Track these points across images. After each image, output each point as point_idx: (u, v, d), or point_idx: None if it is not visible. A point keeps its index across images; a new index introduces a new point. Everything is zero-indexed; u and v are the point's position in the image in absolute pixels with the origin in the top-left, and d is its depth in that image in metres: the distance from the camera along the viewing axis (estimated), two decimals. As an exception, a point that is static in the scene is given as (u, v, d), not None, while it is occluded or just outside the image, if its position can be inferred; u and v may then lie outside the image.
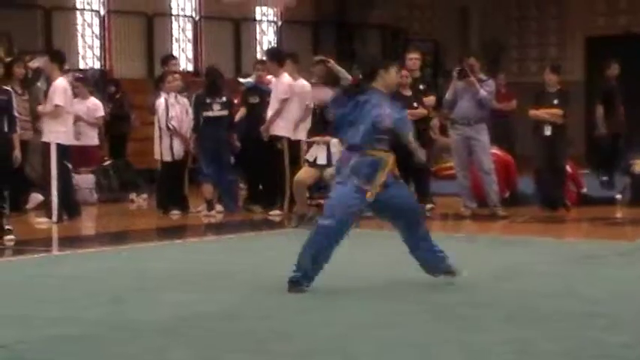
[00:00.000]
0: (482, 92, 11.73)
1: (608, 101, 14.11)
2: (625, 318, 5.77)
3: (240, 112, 12.77)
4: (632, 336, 5.31)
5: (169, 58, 13.97)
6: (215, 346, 5.31)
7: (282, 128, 12.11)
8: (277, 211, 12.09)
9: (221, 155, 12.40)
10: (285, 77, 12.20)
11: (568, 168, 12.34)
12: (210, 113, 12.33)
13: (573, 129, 14.10)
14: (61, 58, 11.87)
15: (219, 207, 12.44)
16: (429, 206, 12.24)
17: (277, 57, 12.71)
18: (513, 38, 19.74)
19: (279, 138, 12.12)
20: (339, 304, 6.37)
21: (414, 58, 12.67)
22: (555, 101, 11.99)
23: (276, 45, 18.25)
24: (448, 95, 11.88)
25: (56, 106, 11.41)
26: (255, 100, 12.68)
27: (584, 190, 12.81)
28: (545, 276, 7.36)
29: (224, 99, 12.44)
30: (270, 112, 12.16)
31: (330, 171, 7.24)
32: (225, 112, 12.39)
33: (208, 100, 12.36)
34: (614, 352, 5.00)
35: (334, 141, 11.68)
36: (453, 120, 11.97)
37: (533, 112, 12.13)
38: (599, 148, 14.37)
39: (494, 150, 12.37)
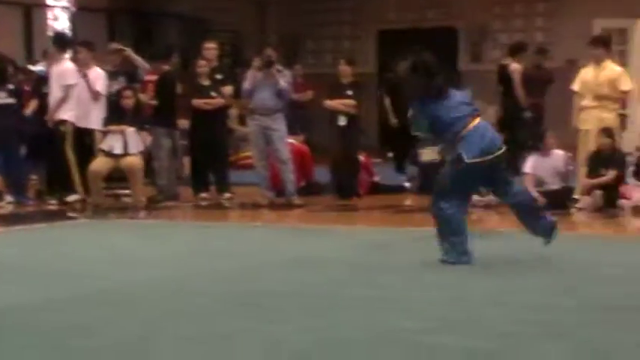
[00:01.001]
0: (282, 83, 11.89)
1: (396, 93, 14.47)
2: (414, 303, 6.00)
3: (32, 105, 12.39)
4: (422, 320, 5.52)
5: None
6: (9, 342, 5.16)
7: (65, 113, 11.85)
8: (72, 197, 11.83)
9: (9, 145, 12.01)
10: (68, 63, 11.97)
11: (361, 158, 12.68)
12: (-6, 101, 11.95)
13: (366, 119, 14.49)
14: None
15: (9, 198, 12.06)
16: (227, 195, 12.31)
17: (59, 42, 12.42)
18: (309, 30, 20.03)
19: (63, 121, 11.86)
20: (138, 297, 6.31)
21: (211, 48, 12.72)
22: (349, 92, 12.30)
23: (70, 32, 17.78)
24: (247, 85, 11.96)
25: None
26: (48, 89, 12.34)
27: (377, 178, 13.21)
28: (339, 264, 7.53)
29: (10, 87, 12.06)
30: (52, 99, 11.89)
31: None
32: (11, 101, 12.03)
33: (-8, 88, 11.98)
34: (406, 337, 5.18)
35: (130, 130, 11.56)
36: (252, 110, 12.08)
37: (327, 103, 12.40)
38: (393, 137, 14.75)
39: (291, 140, 12.56)
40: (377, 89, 14.62)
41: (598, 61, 11.24)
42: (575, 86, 11.34)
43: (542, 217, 7.50)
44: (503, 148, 7.34)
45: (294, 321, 5.55)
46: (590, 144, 11.09)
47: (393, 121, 14.40)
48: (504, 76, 14.04)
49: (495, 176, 7.45)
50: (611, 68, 11.30)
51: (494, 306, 5.88)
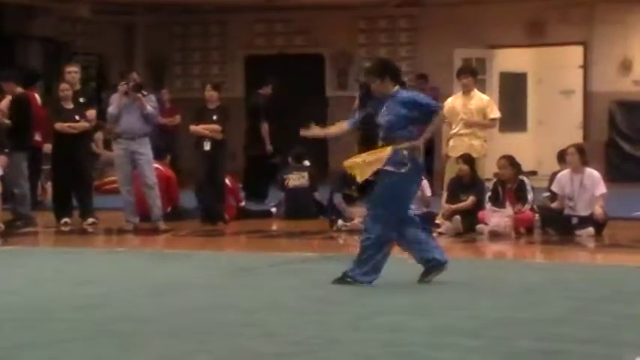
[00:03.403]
0: (149, 108, 11.83)
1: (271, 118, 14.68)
2: (276, 327, 6.05)
3: None
4: (283, 345, 5.58)
5: None
6: None
7: None
8: None
9: None
10: None
11: (228, 182, 12.71)
12: None
13: (234, 144, 14.52)
14: None
15: None
16: (90, 221, 12.14)
17: None
18: (177, 55, 19.99)
19: None
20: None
21: (72, 72, 12.59)
22: (215, 117, 12.33)
23: None
24: (113, 109, 11.85)
25: None
26: None
27: (243, 203, 13.26)
28: (203, 289, 7.55)
29: None
30: None
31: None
32: None
33: None
34: (266, 361, 5.25)
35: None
36: (117, 134, 11.98)
37: (193, 128, 12.40)
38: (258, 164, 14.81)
39: (157, 165, 12.49)
40: (261, 115, 14.69)
41: (466, 90, 11.55)
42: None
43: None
44: None
45: (154, 348, 5.53)
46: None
47: (269, 147, 14.60)
48: (367, 101, 14.26)
49: None
50: (479, 97, 11.63)
51: (353, 329, 5.99)
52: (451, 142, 11.53)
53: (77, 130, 12.15)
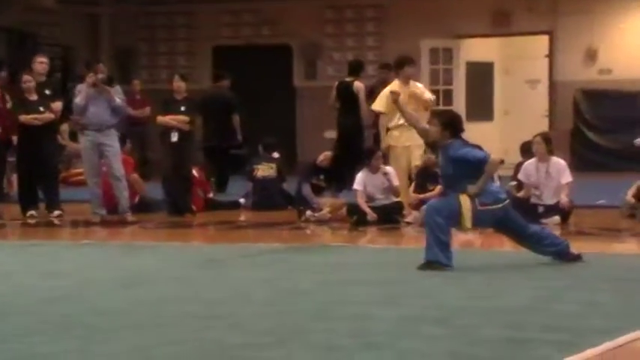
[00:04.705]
0: (118, 100, 11.78)
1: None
2: (243, 318, 6.06)
3: None
4: (250, 336, 5.59)
5: None
6: None
7: None
8: None
9: None
10: None
11: (195, 174, 12.67)
12: None
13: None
14: None
15: None
16: (57, 213, 12.07)
17: None
18: (143, 46, 19.90)
19: None
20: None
21: (42, 62, 12.49)
22: (182, 108, 12.29)
23: None
24: (80, 100, 11.79)
25: None
26: None
27: (211, 195, 13.23)
28: (170, 281, 7.54)
29: None
30: None
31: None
32: None
33: None
34: (234, 353, 5.24)
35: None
36: (83, 125, 11.92)
37: (160, 119, 12.36)
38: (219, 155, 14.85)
39: (124, 156, 12.43)
40: (233, 107, 14.72)
41: (407, 80, 11.37)
42: (381, 107, 11.42)
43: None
44: None
45: (121, 340, 5.51)
46: (414, 160, 11.31)
47: (240, 138, 14.66)
48: (346, 93, 14.22)
49: None
50: (414, 84, 11.44)
51: (320, 319, 6.00)
52: (396, 133, 11.37)
53: (41, 121, 12.07)
